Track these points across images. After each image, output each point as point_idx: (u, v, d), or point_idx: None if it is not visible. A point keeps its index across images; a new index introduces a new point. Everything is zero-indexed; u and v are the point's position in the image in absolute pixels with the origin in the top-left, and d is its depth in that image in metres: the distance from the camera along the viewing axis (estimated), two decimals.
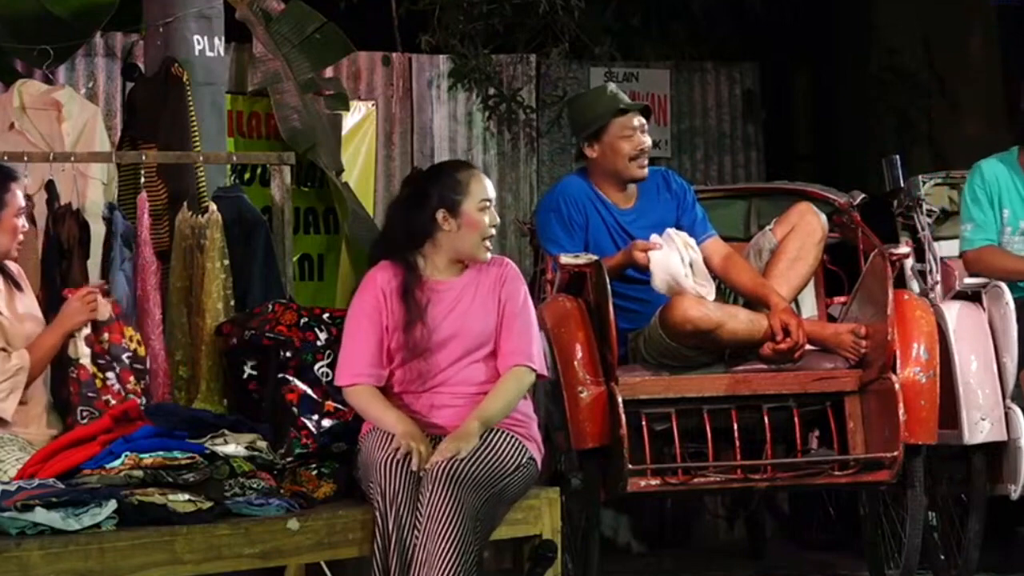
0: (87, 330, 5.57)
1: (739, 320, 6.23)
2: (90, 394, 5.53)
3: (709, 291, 6.26)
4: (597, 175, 6.55)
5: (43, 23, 7.06)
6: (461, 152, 8.72)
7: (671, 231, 6.29)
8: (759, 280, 6.39)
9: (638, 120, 6.51)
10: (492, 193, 5.27)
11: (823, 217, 6.57)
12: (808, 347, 6.37)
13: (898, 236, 7.21)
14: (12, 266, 5.62)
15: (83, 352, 5.55)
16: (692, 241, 6.31)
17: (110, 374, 5.57)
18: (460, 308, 5.18)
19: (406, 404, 5.17)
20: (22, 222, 5.56)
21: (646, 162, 6.53)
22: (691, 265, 6.23)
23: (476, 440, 5.00)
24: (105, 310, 5.59)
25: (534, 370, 5.19)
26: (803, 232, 6.46)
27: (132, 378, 5.61)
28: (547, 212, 6.54)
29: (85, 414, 5.49)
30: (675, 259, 6.20)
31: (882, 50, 9.99)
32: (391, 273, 5.24)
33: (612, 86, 6.66)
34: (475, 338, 5.16)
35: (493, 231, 5.24)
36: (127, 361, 5.63)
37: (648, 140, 6.53)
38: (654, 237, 6.27)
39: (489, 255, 5.24)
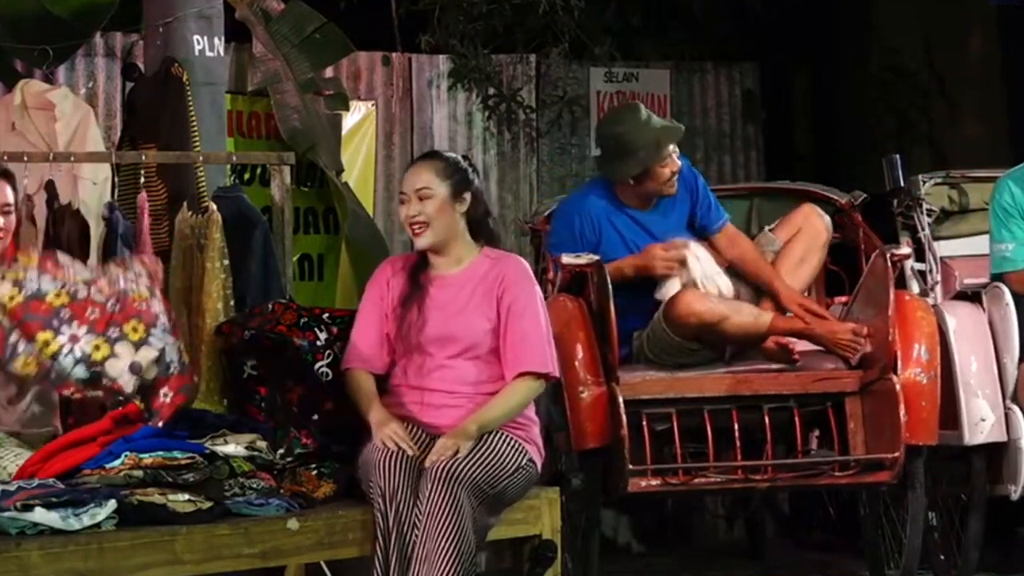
0: None
1: (743, 314, 6.25)
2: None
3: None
4: (626, 190, 6.52)
5: (43, 23, 7.06)
6: (461, 152, 8.71)
7: (693, 246, 6.34)
8: (766, 268, 6.47)
9: (673, 145, 6.50)
10: (408, 185, 5.22)
11: (827, 219, 6.59)
12: (808, 347, 6.37)
13: (898, 236, 7.21)
14: None
15: None
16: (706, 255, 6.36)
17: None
18: (454, 305, 5.18)
19: (402, 399, 5.18)
20: (7, 220, 5.44)
21: (676, 179, 6.53)
22: (703, 280, 6.29)
23: (472, 441, 5.00)
24: None
25: (541, 375, 5.16)
26: (809, 235, 6.49)
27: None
28: (562, 222, 6.53)
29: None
30: (698, 266, 6.29)
31: (882, 50, 9.99)
32: (403, 263, 5.29)
33: (644, 111, 6.57)
34: (466, 337, 5.14)
35: (411, 220, 5.18)
36: None
37: (679, 161, 6.52)
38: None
39: (420, 243, 5.21)
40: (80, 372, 4.91)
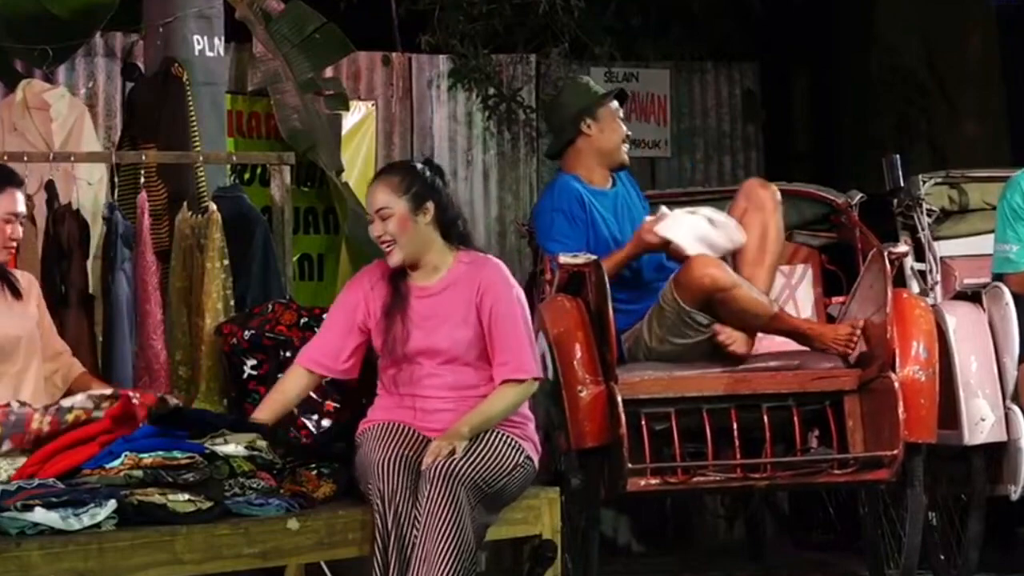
0: None
1: (755, 292, 6.26)
2: None
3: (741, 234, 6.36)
4: (586, 160, 6.59)
5: (43, 23, 7.07)
6: (461, 152, 8.74)
7: (663, 208, 6.41)
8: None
9: (620, 109, 6.69)
10: (369, 206, 5.19)
11: (773, 187, 6.59)
12: (804, 347, 6.38)
13: (898, 236, 7.21)
14: (19, 275, 5.56)
15: None
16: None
17: None
18: (435, 318, 5.13)
19: (396, 405, 5.17)
20: (13, 228, 5.40)
21: (626, 147, 6.72)
22: (710, 221, 6.33)
23: (466, 441, 5.00)
24: None
25: (524, 380, 5.13)
26: (755, 206, 6.49)
27: None
28: (551, 212, 6.54)
29: None
30: (687, 220, 6.28)
31: (882, 50, 10.00)
32: (381, 272, 5.24)
33: (584, 78, 6.91)
34: (451, 348, 5.10)
35: (378, 240, 5.15)
36: None
37: (626, 129, 6.74)
38: (663, 210, 6.39)
39: (392, 260, 5.14)
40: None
